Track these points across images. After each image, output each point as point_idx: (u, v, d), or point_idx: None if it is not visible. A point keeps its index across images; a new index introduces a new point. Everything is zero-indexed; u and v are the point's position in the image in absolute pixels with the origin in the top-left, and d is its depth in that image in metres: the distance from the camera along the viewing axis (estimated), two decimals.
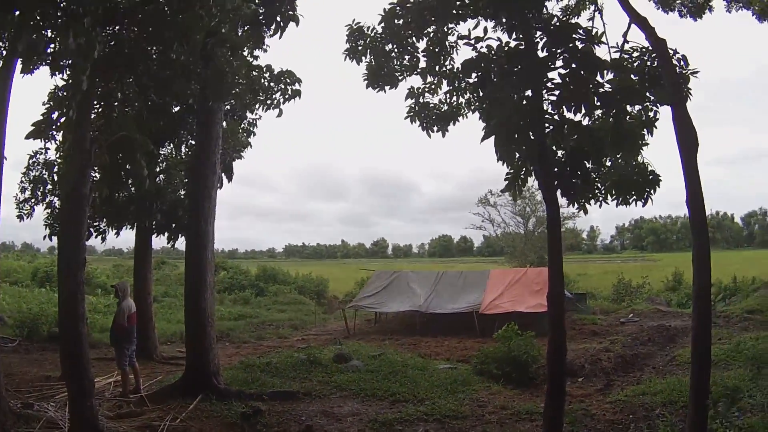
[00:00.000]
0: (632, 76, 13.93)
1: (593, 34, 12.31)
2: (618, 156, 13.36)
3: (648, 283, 50.80)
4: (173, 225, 24.08)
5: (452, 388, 19.14)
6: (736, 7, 21.52)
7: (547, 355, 12.77)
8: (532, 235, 58.00)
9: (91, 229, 23.52)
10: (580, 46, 11.84)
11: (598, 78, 11.94)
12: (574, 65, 11.71)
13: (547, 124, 11.76)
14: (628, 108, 13.04)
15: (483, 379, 20.40)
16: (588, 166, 12.29)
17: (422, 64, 15.21)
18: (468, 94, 14.27)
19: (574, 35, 11.89)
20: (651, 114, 13.97)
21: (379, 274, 40.03)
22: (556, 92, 11.71)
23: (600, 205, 13.80)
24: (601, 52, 13.40)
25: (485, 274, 37.25)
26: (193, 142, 22.72)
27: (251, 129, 24.99)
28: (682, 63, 14.09)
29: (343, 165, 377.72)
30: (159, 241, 26.18)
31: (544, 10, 12.80)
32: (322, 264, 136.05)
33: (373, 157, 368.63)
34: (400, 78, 15.70)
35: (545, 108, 11.79)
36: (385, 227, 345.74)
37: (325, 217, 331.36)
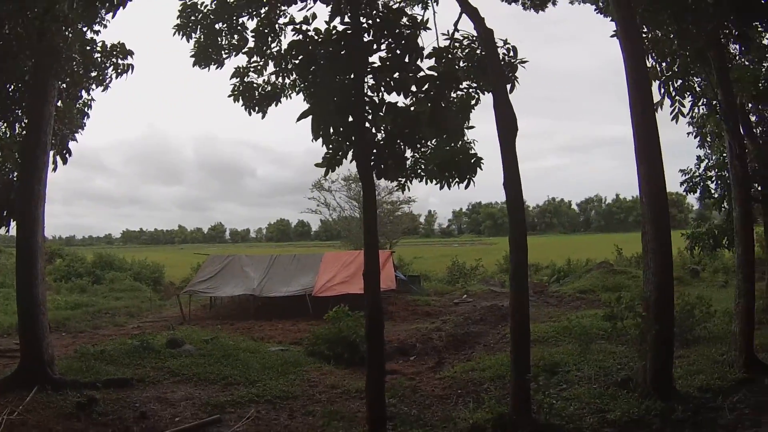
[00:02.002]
0: (461, 63, 14.37)
1: (419, 21, 12.63)
2: (444, 138, 13.77)
3: (482, 266, 52.76)
4: (5, 210, 23.22)
5: (283, 370, 19.36)
6: (579, 2, 22.18)
7: (365, 331, 13.14)
8: None
9: None
10: (406, 32, 12.13)
11: (421, 63, 12.31)
12: (398, 51, 12.00)
13: (366, 107, 12.02)
14: (453, 94, 13.51)
15: (315, 360, 20.79)
16: (405, 147, 12.63)
17: (251, 44, 15.24)
18: (293, 76, 14.29)
19: (399, 21, 12.17)
20: (473, 101, 14.49)
21: (213, 259, 39.60)
22: (377, 75, 11.99)
23: (426, 184, 14.25)
24: (432, 39, 13.84)
25: (318, 257, 37.61)
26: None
27: (85, 109, 24.23)
28: (510, 53, 14.59)
29: (180, 148, 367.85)
30: None
31: None
32: (159, 250, 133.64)
33: (210, 139, 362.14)
34: (226, 56, 15.70)
35: (365, 91, 12.05)
36: (223, 212, 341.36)
37: (162, 201, 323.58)
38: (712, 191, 28.13)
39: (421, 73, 12.19)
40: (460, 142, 14.19)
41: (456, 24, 14.80)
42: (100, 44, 18.84)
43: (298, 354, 21.75)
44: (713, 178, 27.91)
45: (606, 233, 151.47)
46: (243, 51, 15.36)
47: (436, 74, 12.49)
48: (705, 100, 20.64)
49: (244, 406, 16.05)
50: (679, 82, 18.78)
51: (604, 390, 15.48)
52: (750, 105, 24.49)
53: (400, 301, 35.21)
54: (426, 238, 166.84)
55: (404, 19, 12.29)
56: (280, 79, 14.99)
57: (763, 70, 21.91)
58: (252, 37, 15.07)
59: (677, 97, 18.49)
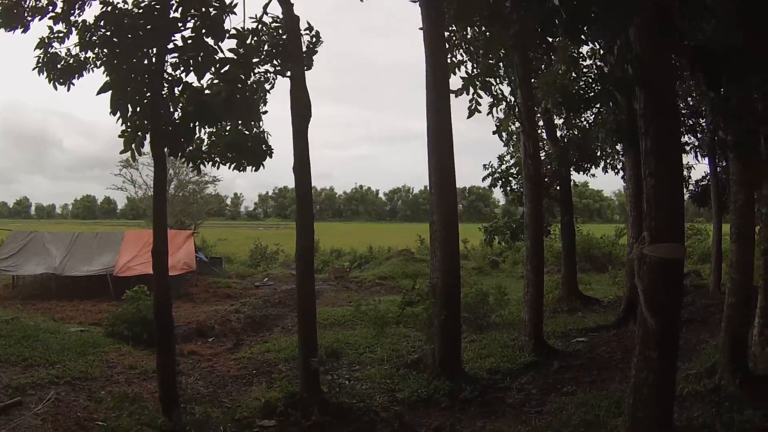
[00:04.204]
0: (265, 46, 14.58)
1: (228, 4, 12.76)
2: (239, 122, 14.00)
3: (283, 250, 53.42)
4: None
5: (83, 351, 18.92)
6: None
7: (153, 310, 13.10)
8: (173, 198, 56.67)
9: None
10: (213, 13, 12.23)
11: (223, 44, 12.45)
12: (203, 31, 12.09)
13: (165, 85, 12.09)
14: (252, 77, 13.72)
15: (114, 341, 20.44)
16: (200, 127, 12.76)
17: (58, 9, 14.79)
18: (97, 49, 13.97)
19: (208, 1, 12.25)
20: (269, 85, 14.75)
21: (16, 235, 37.46)
22: (179, 54, 12.06)
23: (217, 167, 14.44)
24: (238, 19, 13.92)
25: (120, 236, 36.64)
26: None
27: None
28: (313, 39, 14.87)
29: None
30: None
31: None
32: None
33: (17, 107, 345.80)
34: (30, 19, 15.19)
35: (165, 68, 12.11)
36: (29, 185, 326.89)
37: None
38: (513, 187, 29.42)
39: (221, 55, 12.34)
40: (254, 128, 14.46)
41: (265, 7, 14.90)
42: None
43: (98, 335, 21.32)
44: (515, 175, 29.18)
45: (412, 222, 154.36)
46: (49, 16, 14.86)
47: (236, 56, 12.69)
48: (506, 102, 21.60)
49: (45, 387, 15.55)
50: (481, 80, 19.56)
51: (395, 371, 16.21)
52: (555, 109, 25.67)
53: (201, 282, 35.22)
54: (232, 221, 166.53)
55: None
56: (83, 53, 14.60)
57: (570, 78, 22.95)
58: (61, 1, 14.61)
59: (475, 95, 19.25)
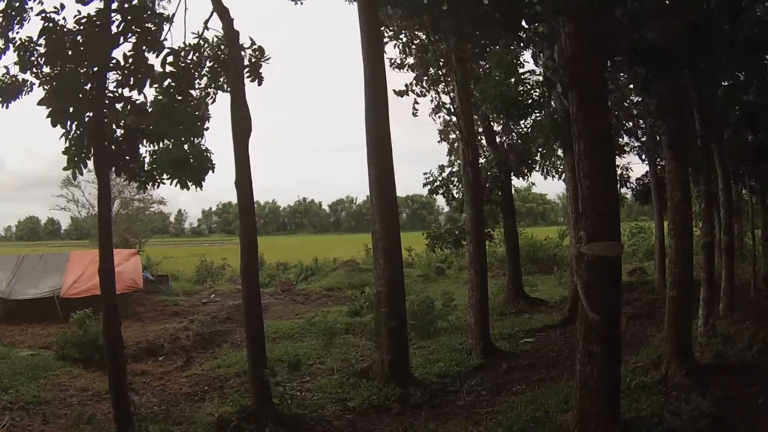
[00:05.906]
0: (207, 62, 14.63)
1: (165, 17, 12.79)
2: (182, 138, 14.00)
3: (229, 265, 52.98)
4: None
5: (34, 375, 18.58)
6: None
7: (103, 328, 13.01)
8: (117, 216, 55.73)
9: None
10: (152, 28, 12.27)
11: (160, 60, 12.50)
12: (143, 47, 12.10)
13: (107, 101, 12.05)
14: (192, 92, 13.76)
15: (66, 364, 20.10)
16: (142, 144, 12.78)
17: None
18: (35, 68, 13.67)
19: (146, 16, 12.27)
20: (210, 101, 14.79)
21: None
22: (120, 70, 12.04)
23: (156, 186, 14.41)
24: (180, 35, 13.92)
25: (65, 257, 35.65)
26: None
27: None
28: (257, 54, 14.90)
29: None
30: None
31: None
32: None
33: None
34: None
35: (106, 85, 12.06)
36: None
37: None
38: (455, 194, 29.67)
39: (160, 70, 12.38)
40: (195, 142, 14.45)
41: (206, 22, 14.83)
42: None
43: (49, 358, 20.98)
44: (455, 182, 29.43)
45: (357, 233, 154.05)
46: None
47: (176, 70, 12.73)
48: (446, 109, 21.92)
49: None
50: (419, 86, 19.83)
51: (346, 380, 16.40)
52: (494, 116, 26.03)
53: (149, 301, 34.79)
54: (176, 238, 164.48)
55: (150, 14, 12.36)
56: (20, 72, 14.17)
57: (508, 84, 23.25)
58: None
59: (414, 100, 19.55)
